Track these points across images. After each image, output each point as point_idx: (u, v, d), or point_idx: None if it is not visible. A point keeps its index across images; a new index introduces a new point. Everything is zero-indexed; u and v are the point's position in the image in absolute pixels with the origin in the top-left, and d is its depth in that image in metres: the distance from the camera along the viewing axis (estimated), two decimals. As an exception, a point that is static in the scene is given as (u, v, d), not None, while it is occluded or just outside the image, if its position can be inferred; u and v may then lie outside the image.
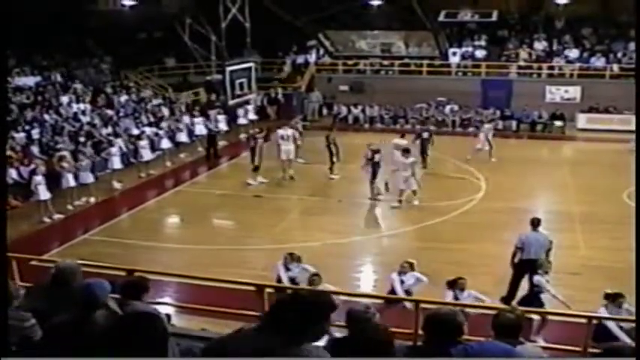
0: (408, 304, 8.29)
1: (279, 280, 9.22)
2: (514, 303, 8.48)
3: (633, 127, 21.14)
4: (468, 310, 8.10)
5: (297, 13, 26.72)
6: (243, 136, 23.22)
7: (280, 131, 18.14)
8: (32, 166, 15.36)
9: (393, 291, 9.04)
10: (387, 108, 26.63)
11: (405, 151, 15.18)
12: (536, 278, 8.69)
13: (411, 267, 9.19)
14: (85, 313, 3.67)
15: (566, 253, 12.07)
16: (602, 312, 7.72)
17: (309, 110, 27.63)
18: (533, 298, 8.64)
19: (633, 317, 7.47)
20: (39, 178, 14.35)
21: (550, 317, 8.52)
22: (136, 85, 25.86)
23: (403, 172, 14.94)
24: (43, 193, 14.32)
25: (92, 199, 15.94)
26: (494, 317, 3.96)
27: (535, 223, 10.24)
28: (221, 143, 22.60)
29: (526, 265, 9.59)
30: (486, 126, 20.56)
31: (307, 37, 29.73)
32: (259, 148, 17.44)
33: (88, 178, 15.93)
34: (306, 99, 28.08)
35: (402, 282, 9.02)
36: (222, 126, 23.03)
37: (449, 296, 8.32)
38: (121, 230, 14.28)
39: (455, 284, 8.40)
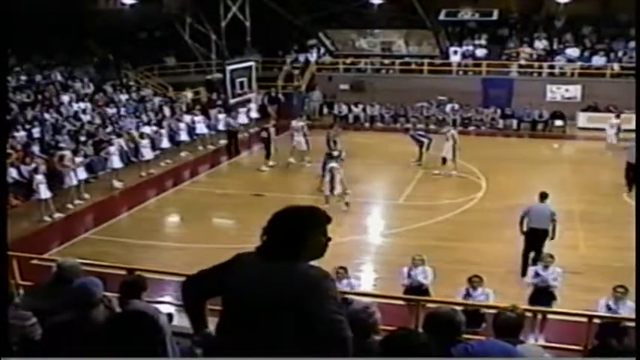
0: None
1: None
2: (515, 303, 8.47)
3: (633, 126, 21.12)
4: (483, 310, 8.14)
5: (298, 12, 26.73)
6: (244, 135, 23.23)
7: (294, 122, 19.70)
8: (33, 165, 15.38)
9: (409, 288, 9.02)
10: (388, 107, 26.62)
11: (329, 156, 15.06)
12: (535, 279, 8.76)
13: (422, 261, 9.23)
14: (84, 311, 3.67)
15: (566, 252, 12.04)
16: (601, 302, 7.86)
17: (310, 109, 27.62)
18: (544, 292, 8.69)
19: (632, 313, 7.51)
20: (40, 177, 14.37)
21: (551, 316, 8.52)
22: (137, 84, 25.85)
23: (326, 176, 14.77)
24: (44, 192, 14.34)
25: (87, 195, 15.98)
26: (494, 316, 3.96)
27: (542, 196, 11.20)
28: (221, 142, 22.63)
29: (532, 234, 10.70)
30: (613, 121, 21.02)
31: (307, 36, 29.71)
32: (272, 138, 19.17)
33: (82, 174, 15.98)
34: (308, 98, 28.06)
35: (409, 275, 9.03)
36: (222, 125, 23.02)
37: (461, 292, 8.35)
38: (121, 229, 14.28)
39: (469, 281, 8.42)
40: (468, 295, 8.31)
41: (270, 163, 19.08)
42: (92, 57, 26.39)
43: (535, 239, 10.61)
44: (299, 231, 2.62)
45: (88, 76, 24.34)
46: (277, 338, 2.50)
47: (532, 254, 10.69)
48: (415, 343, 2.86)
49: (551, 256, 9.18)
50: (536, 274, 8.95)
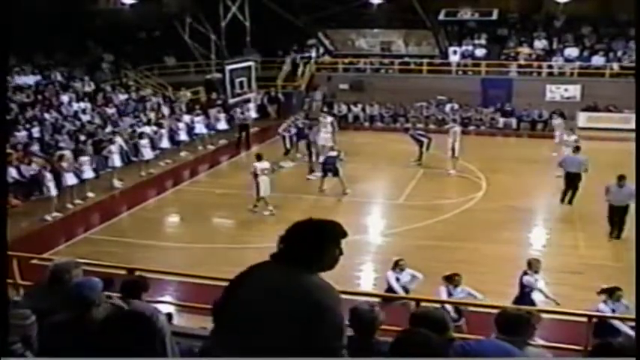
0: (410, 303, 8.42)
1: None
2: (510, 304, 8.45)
3: (633, 126, 21.12)
4: (462, 307, 8.19)
5: (297, 11, 26.72)
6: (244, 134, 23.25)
7: (321, 118, 19.99)
8: (34, 166, 15.46)
9: (389, 289, 9.06)
10: (387, 107, 26.62)
11: (258, 157, 15.13)
12: (526, 278, 8.72)
13: (405, 264, 9.26)
14: (80, 312, 3.67)
15: (566, 252, 12.10)
16: (602, 307, 7.78)
17: (313, 109, 27.59)
18: (525, 297, 8.67)
19: (632, 310, 7.51)
20: (49, 176, 14.52)
21: (550, 316, 8.52)
22: (136, 84, 25.85)
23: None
24: (54, 190, 14.51)
25: (91, 194, 16.05)
26: (497, 313, 3.94)
27: (577, 148, 15.49)
28: (221, 142, 22.65)
29: (568, 176, 14.70)
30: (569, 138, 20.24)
31: (307, 36, 29.71)
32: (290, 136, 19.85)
33: (89, 174, 16.04)
34: (309, 98, 28.01)
35: (398, 279, 9.06)
36: (222, 125, 23.06)
37: (443, 292, 8.34)
38: (121, 229, 14.29)
39: (450, 280, 8.41)
40: (449, 294, 8.31)
41: (289, 162, 19.35)
42: (92, 56, 26.40)
43: (571, 180, 14.61)
44: (319, 242, 2.75)
45: (88, 75, 24.33)
46: (274, 345, 2.57)
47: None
48: (431, 344, 2.86)
49: (539, 262, 9.11)
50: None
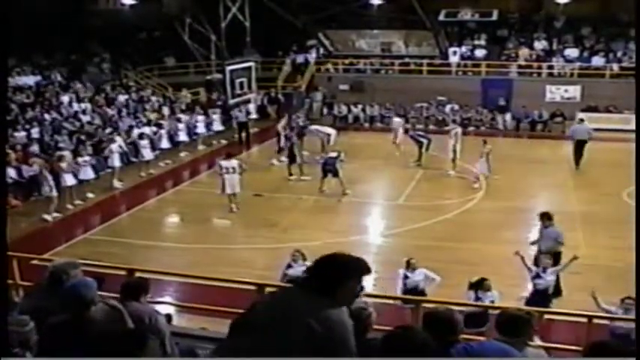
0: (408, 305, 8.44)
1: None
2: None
3: (633, 127, 21.14)
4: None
5: (297, 12, 26.75)
6: (244, 135, 23.25)
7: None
8: (35, 167, 15.46)
9: (407, 288, 9.05)
10: (387, 107, 26.62)
11: (228, 156, 15.21)
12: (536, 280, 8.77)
13: (416, 263, 9.25)
14: (79, 312, 3.67)
15: (566, 253, 12.01)
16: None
17: (314, 109, 27.57)
18: (540, 296, 8.68)
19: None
20: (50, 176, 14.53)
21: (550, 317, 8.53)
22: (136, 85, 25.83)
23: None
24: (55, 190, 14.51)
25: (91, 195, 16.05)
26: (498, 314, 3.94)
27: (581, 119, 19.93)
28: (221, 142, 22.64)
29: (578, 144, 18.47)
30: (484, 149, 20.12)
31: (307, 36, 29.71)
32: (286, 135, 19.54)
33: (89, 174, 16.04)
34: (310, 98, 27.99)
35: (407, 277, 9.04)
36: (217, 126, 23.08)
37: (470, 298, 8.30)
38: (121, 230, 14.28)
39: (480, 285, 8.33)
40: (477, 299, 8.27)
41: (282, 159, 19.31)
42: (92, 57, 26.39)
43: (578, 147, 18.38)
44: (340, 277, 2.84)
45: (88, 77, 24.32)
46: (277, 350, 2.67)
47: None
48: (416, 342, 2.87)
49: (549, 259, 9.17)
50: (537, 276, 8.95)
